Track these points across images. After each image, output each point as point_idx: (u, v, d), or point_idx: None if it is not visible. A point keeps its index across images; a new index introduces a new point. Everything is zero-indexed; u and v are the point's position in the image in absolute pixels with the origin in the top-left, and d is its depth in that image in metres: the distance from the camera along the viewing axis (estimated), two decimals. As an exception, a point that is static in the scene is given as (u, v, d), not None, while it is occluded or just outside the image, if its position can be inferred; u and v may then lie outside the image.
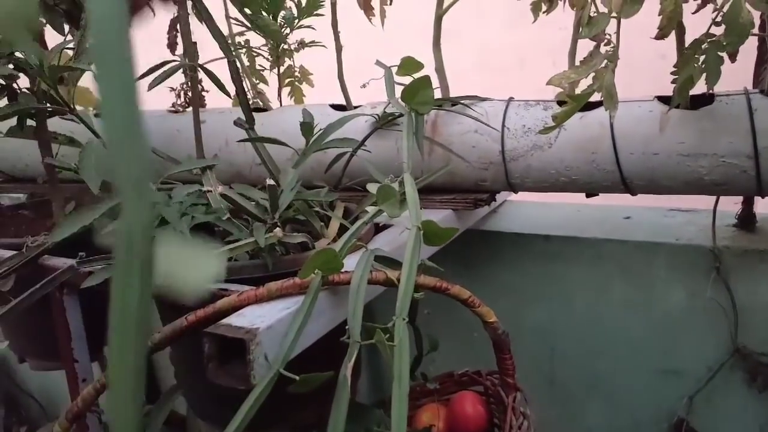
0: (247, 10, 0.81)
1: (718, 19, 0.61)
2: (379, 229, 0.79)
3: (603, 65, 0.63)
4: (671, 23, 0.58)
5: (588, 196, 0.89)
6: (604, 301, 0.94)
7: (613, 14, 0.60)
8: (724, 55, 0.65)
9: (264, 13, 0.86)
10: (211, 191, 0.62)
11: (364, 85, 0.87)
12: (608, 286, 0.93)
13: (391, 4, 0.97)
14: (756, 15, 0.66)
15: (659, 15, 0.59)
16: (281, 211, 0.68)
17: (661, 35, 0.60)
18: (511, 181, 0.83)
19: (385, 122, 0.82)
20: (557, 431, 1.04)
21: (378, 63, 0.79)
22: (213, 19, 0.77)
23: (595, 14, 0.62)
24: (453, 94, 0.90)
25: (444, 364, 0.90)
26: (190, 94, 0.98)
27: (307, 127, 0.77)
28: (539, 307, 0.99)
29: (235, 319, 0.49)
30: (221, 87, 0.79)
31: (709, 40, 0.62)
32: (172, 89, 1.08)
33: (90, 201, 0.86)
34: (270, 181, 0.60)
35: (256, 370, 0.47)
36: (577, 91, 0.78)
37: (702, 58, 0.64)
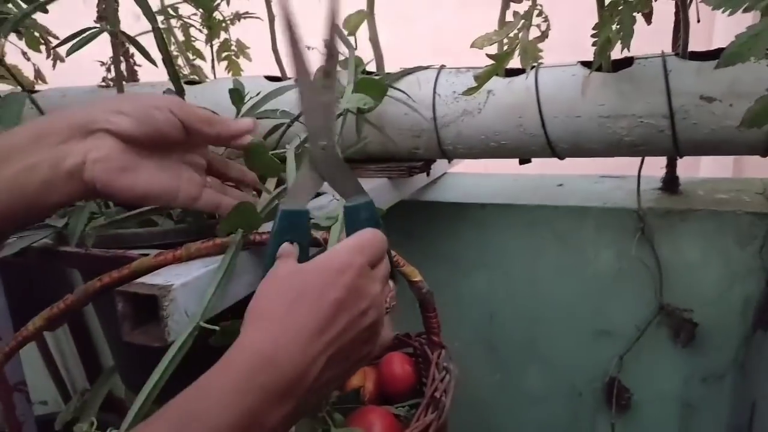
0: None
1: (631, -20, 0.63)
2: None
3: (520, 25, 0.64)
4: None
5: (521, 162, 0.91)
6: (539, 266, 0.96)
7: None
8: (641, 18, 0.68)
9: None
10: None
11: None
12: (542, 251, 0.95)
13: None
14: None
15: None
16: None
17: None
18: (443, 147, 0.84)
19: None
20: (498, 396, 1.07)
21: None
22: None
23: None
24: (392, 58, 0.91)
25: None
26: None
27: (236, 95, 0.76)
28: (478, 275, 1.01)
29: (149, 278, 0.48)
30: (146, 55, 0.77)
31: (624, 1, 0.64)
32: (102, 63, 1.05)
33: None
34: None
35: (171, 327, 0.46)
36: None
37: (618, 19, 0.66)
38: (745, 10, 0.47)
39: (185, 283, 0.48)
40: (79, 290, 0.49)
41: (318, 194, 0.80)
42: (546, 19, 1.01)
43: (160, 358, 0.46)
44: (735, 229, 0.82)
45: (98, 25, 0.77)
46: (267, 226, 0.60)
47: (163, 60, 0.80)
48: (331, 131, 0.47)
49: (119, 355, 0.67)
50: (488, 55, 0.65)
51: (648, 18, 0.68)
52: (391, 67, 0.92)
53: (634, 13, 0.64)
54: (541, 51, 1.01)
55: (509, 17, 0.87)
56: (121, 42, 0.82)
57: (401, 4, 0.89)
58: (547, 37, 1.02)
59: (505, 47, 0.75)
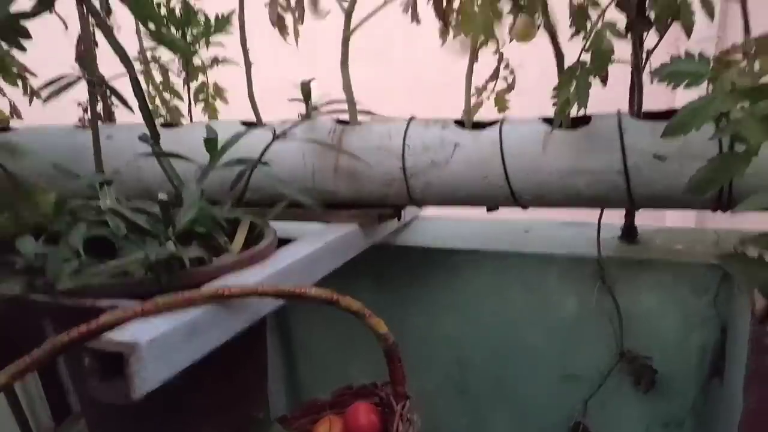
0: (151, 25, 0.82)
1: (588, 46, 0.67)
2: (282, 242, 0.81)
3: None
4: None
5: (488, 210, 0.94)
6: (507, 311, 0.99)
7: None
8: (597, 80, 0.72)
9: (171, 29, 0.87)
10: (109, 209, 0.62)
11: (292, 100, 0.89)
12: (510, 296, 0.98)
13: (302, 23, 1.00)
14: (627, 47, 0.73)
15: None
16: (182, 226, 0.69)
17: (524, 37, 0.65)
18: (413, 196, 0.86)
19: (282, 134, 0.84)
20: (467, 439, 1.07)
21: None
22: (112, 32, 0.77)
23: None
24: (381, 113, 0.94)
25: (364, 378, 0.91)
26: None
27: (210, 143, 0.78)
28: (447, 318, 1.03)
29: (115, 333, 0.49)
30: (123, 101, 0.79)
31: (581, 66, 0.68)
32: (79, 104, 1.06)
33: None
34: (162, 196, 0.61)
35: (137, 384, 0.47)
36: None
37: (575, 83, 0.70)
38: (687, 86, 0.51)
39: (152, 339, 0.49)
40: (46, 345, 0.50)
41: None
42: (512, 72, 1.06)
43: (127, 412, 0.47)
44: (690, 280, 0.86)
45: (76, 71, 0.79)
46: (238, 279, 0.62)
47: (140, 106, 0.82)
48: None
49: (86, 405, 0.67)
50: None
51: (604, 81, 0.72)
52: (370, 103, 0.94)
53: (591, 77, 0.68)
54: (508, 101, 1.05)
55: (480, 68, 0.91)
56: (99, 85, 0.83)
57: (377, 41, 0.92)
58: (512, 88, 1.06)
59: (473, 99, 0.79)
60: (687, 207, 0.78)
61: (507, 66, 1.03)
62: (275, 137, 0.81)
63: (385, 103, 0.96)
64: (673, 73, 0.50)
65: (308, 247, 0.73)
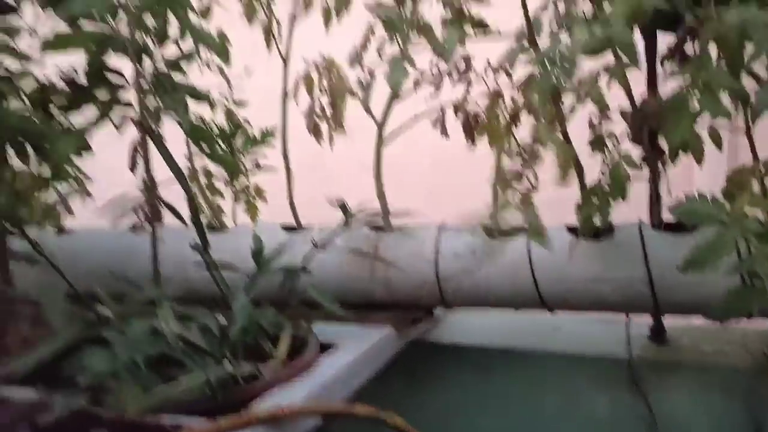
0: (205, 146, 0.90)
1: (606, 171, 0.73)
2: (324, 347, 0.85)
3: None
4: (565, 170, 0.69)
5: (517, 308, 0.97)
6: (538, 410, 1.00)
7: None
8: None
9: (220, 146, 0.95)
10: (166, 328, 0.68)
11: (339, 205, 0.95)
12: (541, 394, 0.99)
13: (336, 130, 1.08)
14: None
15: (557, 165, 0.71)
16: (234, 338, 0.74)
17: (562, 177, 0.71)
18: (446, 299, 0.91)
19: (322, 245, 0.90)
20: None
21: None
22: (171, 155, 0.86)
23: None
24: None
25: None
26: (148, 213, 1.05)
27: (258, 255, 0.84)
28: (480, 417, 1.04)
29: (179, 456, 0.53)
30: (179, 217, 0.86)
31: (600, 189, 0.73)
32: (134, 210, 1.14)
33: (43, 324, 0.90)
34: (221, 319, 0.66)
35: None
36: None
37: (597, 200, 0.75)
38: (703, 224, 0.55)
39: (213, 462, 0.53)
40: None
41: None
42: (536, 175, 1.12)
43: None
44: (721, 382, 0.87)
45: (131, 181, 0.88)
46: (288, 393, 0.66)
47: (192, 220, 0.89)
48: None
49: None
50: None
51: (623, 198, 0.77)
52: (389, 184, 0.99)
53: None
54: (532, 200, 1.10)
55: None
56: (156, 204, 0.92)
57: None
58: (536, 188, 1.12)
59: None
60: (713, 317, 0.81)
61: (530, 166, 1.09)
62: (316, 247, 0.87)
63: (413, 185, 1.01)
64: (689, 212, 0.55)
65: (348, 357, 0.77)
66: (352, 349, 0.82)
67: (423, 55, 0.92)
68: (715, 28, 0.51)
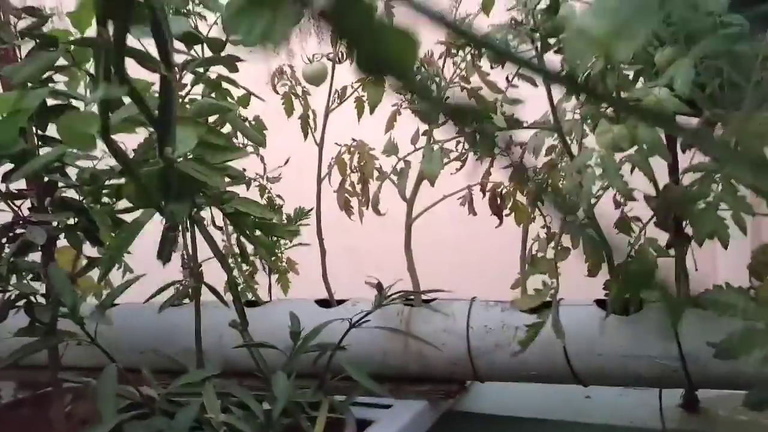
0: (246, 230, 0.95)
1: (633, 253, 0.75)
2: (361, 423, 0.86)
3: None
4: (597, 267, 0.72)
5: (550, 383, 0.98)
6: (573, 481, 0.99)
7: (550, 256, 0.74)
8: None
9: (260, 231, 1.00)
10: (213, 417, 0.70)
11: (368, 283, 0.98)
12: (576, 466, 0.99)
13: (368, 208, 1.13)
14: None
15: (585, 262, 0.74)
16: (275, 419, 0.77)
17: (592, 274, 0.74)
18: (478, 373, 0.92)
19: (357, 323, 0.92)
20: None
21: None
22: (213, 239, 0.90)
23: (539, 255, 0.76)
24: (427, 285, 1.03)
25: None
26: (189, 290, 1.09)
27: (294, 334, 0.87)
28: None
29: None
30: (220, 298, 0.90)
31: (628, 269, 0.76)
32: (175, 287, 1.19)
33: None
34: (266, 405, 0.69)
35: None
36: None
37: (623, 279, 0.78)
38: (729, 317, 0.57)
39: None
40: None
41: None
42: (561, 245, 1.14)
43: None
44: (759, 456, 0.87)
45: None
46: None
47: (233, 300, 0.93)
48: None
49: None
50: (528, 327, 0.76)
51: (653, 278, 0.79)
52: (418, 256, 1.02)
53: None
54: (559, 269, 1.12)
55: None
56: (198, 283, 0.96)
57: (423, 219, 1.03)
58: (563, 258, 1.14)
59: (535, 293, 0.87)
60: (748, 389, 0.81)
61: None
62: (351, 326, 0.90)
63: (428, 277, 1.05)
64: (715, 303, 0.57)
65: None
66: (388, 426, 0.83)
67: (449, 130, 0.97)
68: (734, 132, 0.54)
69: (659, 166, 0.82)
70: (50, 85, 0.88)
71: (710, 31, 0.56)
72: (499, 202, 0.93)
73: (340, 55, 0.92)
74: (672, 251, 0.74)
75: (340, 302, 1.06)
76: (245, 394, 0.81)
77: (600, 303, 0.88)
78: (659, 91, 0.57)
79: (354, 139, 1.03)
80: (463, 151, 1.01)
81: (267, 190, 1.23)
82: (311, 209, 1.07)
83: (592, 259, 0.73)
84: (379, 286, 0.91)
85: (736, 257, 0.76)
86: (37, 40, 0.91)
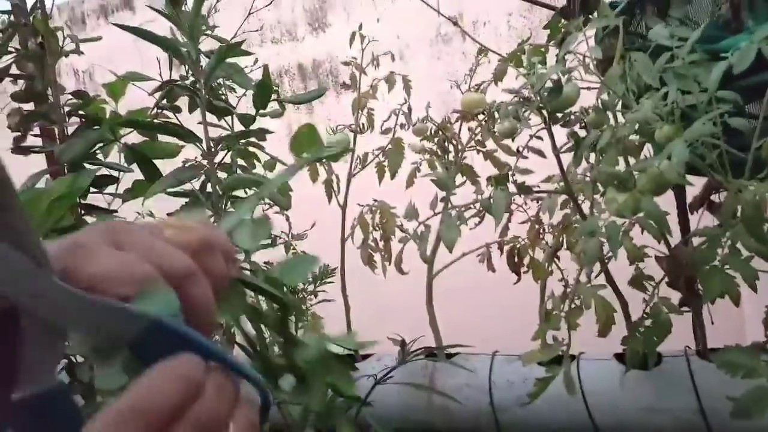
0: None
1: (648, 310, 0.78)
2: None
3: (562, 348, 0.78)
4: (607, 327, 0.75)
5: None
6: None
7: (563, 314, 0.77)
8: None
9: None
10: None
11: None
12: None
13: (390, 263, 1.17)
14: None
15: (596, 323, 0.77)
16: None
17: (602, 335, 0.77)
18: (502, 428, 0.94)
19: (382, 380, 0.96)
20: None
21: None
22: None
23: (554, 312, 0.80)
24: (449, 340, 1.06)
25: None
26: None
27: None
28: None
29: None
30: (250, 355, 0.94)
31: (644, 325, 0.78)
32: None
33: None
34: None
35: None
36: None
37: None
38: (743, 377, 0.60)
39: None
40: None
41: None
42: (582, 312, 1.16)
43: None
44: None
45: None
46: None
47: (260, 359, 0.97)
48: None
49: None
50: (539, 380, 0.79)
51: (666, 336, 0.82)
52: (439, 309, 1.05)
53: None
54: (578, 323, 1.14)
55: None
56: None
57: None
58: (582, 310, 1.16)
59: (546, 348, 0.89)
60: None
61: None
62: (376, 382, 0.93)
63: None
64: (729, 363, 0.60)
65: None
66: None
67: (465, 194, 1.02)
68: (734, 200, 0.58)
69: (672, 223, 0.86)
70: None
71: (704, 109, 0.61)
72: (516, 259, 0.96)
73: (361, 126, 0.98)
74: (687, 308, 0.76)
75: (365, 357, 1.10)
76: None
77: (619, 357, 0.90)
78: (661, 164, 0.61)
79: (375, 200, 1.08)
80: (481, 209, 1.06)
81: (292, 247, 1.28)
82: (336, 267, 1.12)
83: (603, 320, 0.76)
84: (402, 343, 0.94)
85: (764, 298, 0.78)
86: (83, 120, 1.00)
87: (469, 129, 0.99)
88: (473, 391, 0.95)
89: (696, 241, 0.75)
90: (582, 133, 0.75)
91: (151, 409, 0.23)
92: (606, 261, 0.78)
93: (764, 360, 0.61)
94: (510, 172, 0.85)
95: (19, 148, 1.01)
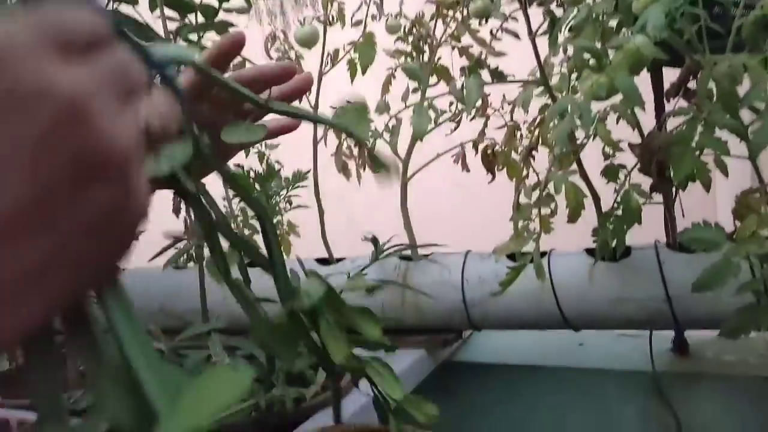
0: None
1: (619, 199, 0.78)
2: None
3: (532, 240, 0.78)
4: (576, 214, 0.75)
5: (542, 329, 1.02)
6: (566, 423, 1.04)
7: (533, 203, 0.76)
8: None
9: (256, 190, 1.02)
10: (218, 361, 0.74)
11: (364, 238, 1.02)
12: (569, 409, 1.04)
13: (364, 170, 1.15)
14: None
15: (566, 208, 0.76)
16: (278, 365, 0.81)
17: (571, 220, 0.77)
18: (473, 323, 0.96)
19: (355, 276, 0.96)
20: None
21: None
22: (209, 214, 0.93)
23: (525, 202, 0.79)
24: (422, 242, 1.06)
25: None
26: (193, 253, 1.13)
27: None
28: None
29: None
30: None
31: (615, 215, 0.78)
32: (175, 247, 1.22)
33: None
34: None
35: None
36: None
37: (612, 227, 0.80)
38: (705, 251, 0.60)
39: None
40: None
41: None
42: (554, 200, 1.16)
43: None
44: (746, 392, 0.90)
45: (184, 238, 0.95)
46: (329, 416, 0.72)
47: (238, 265, 0.96)
48: None
49: None
50: (510, 269, 0.79)
51: (639, 222, 0.82)
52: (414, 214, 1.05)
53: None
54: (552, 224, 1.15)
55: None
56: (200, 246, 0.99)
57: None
58: (555, 213, 1.17)
59: (519, 239, 0.90)
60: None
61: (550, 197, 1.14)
62: (349, 279, 0.93)
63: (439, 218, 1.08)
64: (694, 240, 0.60)
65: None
66: (388, 374, 0.87)
67: (439, 89, 0.99)
68: (709, 75, 0.56)
69: (647, 118, 0.84)
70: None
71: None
72: (491, 158, 0.95)
73: (330, 18, 0.93)
74: (659, 197, 0.76)
75: (339, 260, 1.10)
76: (249, 344, 0.85)
77: (590, 252, 0.91)
78: (637, 38, 0.59)
79: (348, 102, 1.04)
80: (457, 111, 1.03)
81: (266, 156, 1.26)
82: (308, 171, 1.10)
83: (573, 206, 0.75)
84: (374, 240, 0.94)
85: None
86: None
87: (444, 23, 0.94)
88: (446, 287, 0.96)
89: (670, 127, 0.74)
90: (559, 13, 0.72)
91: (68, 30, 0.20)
92: (579, 149, 0.76)
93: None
94: (483, 57, 0.82)
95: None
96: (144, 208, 0.22)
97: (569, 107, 0.62)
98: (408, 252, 1.03)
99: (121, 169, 0.21)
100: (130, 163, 0.21)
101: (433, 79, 0.97)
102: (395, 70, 1.06)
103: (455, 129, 1.08)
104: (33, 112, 0.18)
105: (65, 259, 0.20)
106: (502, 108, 1.05)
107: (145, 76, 0.24)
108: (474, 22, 0.93)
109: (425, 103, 0.82)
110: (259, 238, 1.26)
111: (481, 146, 0.97)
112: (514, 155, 1.01)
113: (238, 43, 0.40)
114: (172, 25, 0.90)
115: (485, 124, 1.08)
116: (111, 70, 0.21)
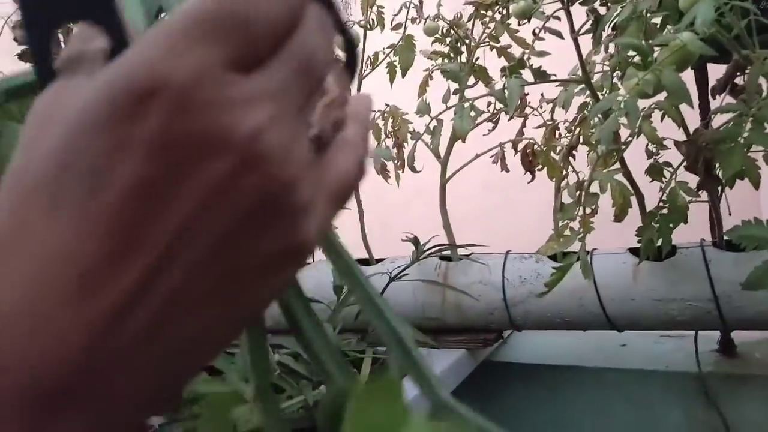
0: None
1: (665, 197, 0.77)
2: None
3: (578, 239, 0.78)
4: (623, 212, 0.74)
5: (585, 329, 1.01)
6: (609, 425, 1.03)
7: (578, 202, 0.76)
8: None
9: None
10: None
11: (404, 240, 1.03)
12: (611, 411, 1.03)
13: (403, 171, 1.16)
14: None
15: (612, 206, 0.76)
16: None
17: (618, 219, 0.76)
18: (514, 322, 0.96)
19: (396, 277, 0.97)
20: None
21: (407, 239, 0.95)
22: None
23: (569, 201, 0.79)
24: (459, 240, 1.06)
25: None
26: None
27: (338, 289, 0.92)
28: (552, 432, 1.08)
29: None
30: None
31: (660, 213, 0.78)
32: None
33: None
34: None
35: None
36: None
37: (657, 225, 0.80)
38: (756, 249, 0.59)
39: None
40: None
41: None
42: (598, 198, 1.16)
43: None
44: (795, 394, 0.88)
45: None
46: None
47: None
48: None
49: None
50: (555, 269, 0.79)
51: (686, 221, 0.81)
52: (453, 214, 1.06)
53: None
54: (592, 224, 1.14)
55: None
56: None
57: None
58: (596, 213, 1.16)
59: (563, 238, 0.89)
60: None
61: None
62: (391, 280, 0.95)
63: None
64: (743, 237, 0.59)
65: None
66: (431, 373, 0.88)
67: (477, 89, 1.00)
68: (759, 70, 0.55)
69: (691, 115, 0.83)
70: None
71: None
72: (530, 158, 0.95)
73: (371, 22, 0.95)
74: (705, 195, 0.75)
75: (379, 261, 1.11)
76: (292, 342, 0.87)
77: (633, 251, 0.90)
78: (684, 35, 0.58)
79: (387, 104, 1.06)
80: (495, 111, 1.04)
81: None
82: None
83: (619, 204, 0.75)
84: (415, 241, 0.95)
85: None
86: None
87: (483, 23, 0.95)
88: (486, 287, 0.96)
89: (717, 125, 0.73)
90: (603, 11, 0.72)
91: (247, 19, 0.15)
92: (623, 148, 0.76)
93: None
94: (526, 57, 0.82)
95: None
96: (312, 247, 0.19)
97: (613, 105, 0.62)
98: (447, 252, 1.04)
99: (296, 218, 0.17)
100: (308, 210, 0.17)
101: (470, 80, 0.98)
102: (432, 72, 1.07)
103: (493, 129, 1.08)
104: (204, 166, 0.15)
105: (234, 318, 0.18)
106: (541, 107, 1.04)
107: (333, 57, 0.19)
108: (513, 22, 0.94)
109: (466, 104, 0.82)
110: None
111: (520, 146, 0.97)
112: (553, 155, 1.01)
113: None
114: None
115: (524, 124, 1.08)
116: (297, 64, 0.17)
